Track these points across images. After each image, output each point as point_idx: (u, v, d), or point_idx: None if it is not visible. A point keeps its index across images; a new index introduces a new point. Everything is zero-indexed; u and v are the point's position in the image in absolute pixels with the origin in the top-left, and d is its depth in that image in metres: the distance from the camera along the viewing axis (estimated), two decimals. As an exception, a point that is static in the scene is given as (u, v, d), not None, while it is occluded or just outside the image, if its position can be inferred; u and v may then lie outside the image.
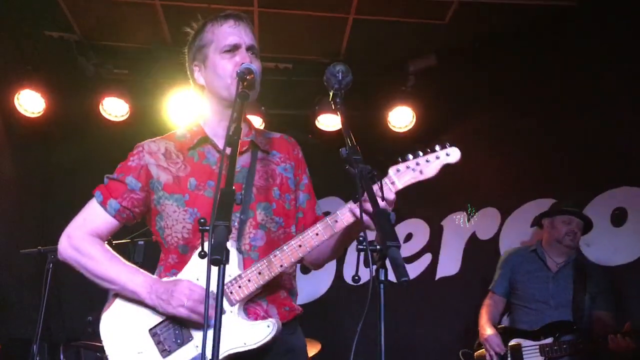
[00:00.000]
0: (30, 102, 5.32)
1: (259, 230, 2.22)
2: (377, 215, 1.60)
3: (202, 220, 1.63)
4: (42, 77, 5.27)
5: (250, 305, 2.15)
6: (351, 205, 2.08)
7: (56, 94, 5.38)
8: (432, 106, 5.67)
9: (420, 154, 2.15)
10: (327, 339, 4.80)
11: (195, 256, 2.16)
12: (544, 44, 5.14)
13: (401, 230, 5.67)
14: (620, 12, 4.69)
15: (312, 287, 5.79)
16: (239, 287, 2.09)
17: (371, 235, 1.59)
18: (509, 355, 4.14)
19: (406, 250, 5.65)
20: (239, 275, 2.10)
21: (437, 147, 2.17)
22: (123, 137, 5.40)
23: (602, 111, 4.93)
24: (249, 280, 2.09)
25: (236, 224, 2.18)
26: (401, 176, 2.12)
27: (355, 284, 1.66)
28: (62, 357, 4.64)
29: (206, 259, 1.51)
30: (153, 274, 2.26)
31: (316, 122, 5.75)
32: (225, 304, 2.07)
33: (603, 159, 4.91)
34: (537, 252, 4.46)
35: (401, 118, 5.72)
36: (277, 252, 2.11)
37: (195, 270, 2.14)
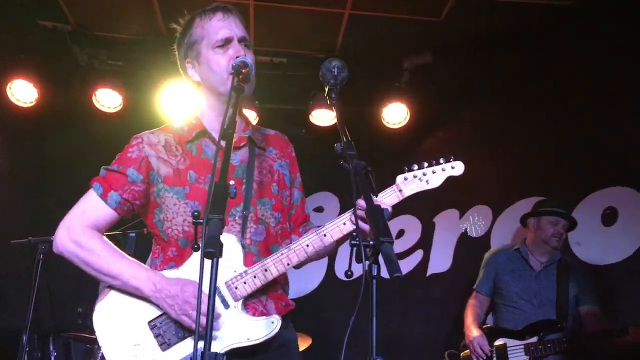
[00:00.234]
0: (22, 92, 5.27)
1: (260, 225, 2.24)
2: (371, 211, 1.60)
3: (195, 213, 1.64)
4: (34, 66, 5.22)
5: (250, 300, 2.15)
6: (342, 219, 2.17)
7: (49, 84, 5.34)
8: (427, 103, 5.68)
9: (426, 164, 2.27)
10: (317, 333, 4.81)
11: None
12: (539, 42, 5.15)
13: (393, 226, 5.67)
14: (613, 11, 4.72)
15: (304, 282, 5.79)
16: (244, 283, 2.10)
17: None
18: (494, 355, 4.16)
19: (398, 247, 5.66)
20: (245, 272, 2.11)
21: (442, 160, 2.28)
22: (116, 129, 5.37)
23: (594, 111, 4.95)
24: (255, 277, 2.11)
25: (237, 218, 2.19)
26: (408, 184, 2.24)
27: (348, 279, 1.67)
28: (51, 348, 4.63)
29: (206, 254, 1.49)
30: (144, 265, 2.24)
31: (310, 117, 5.75)
32: (230, 299, 2.10)
33: (595, 159, 4.94)
34: (520, 252, 4.48)
35: (395, 114, 5.73)
36: (285, 250, 2.14)
37: (196, 264, 2.13)
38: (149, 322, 2.11)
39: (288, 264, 2.14)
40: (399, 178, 2.25)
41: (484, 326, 4.41)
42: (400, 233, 5.76)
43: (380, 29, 5.12)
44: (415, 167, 2.26)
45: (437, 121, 5.81)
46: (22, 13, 5.00)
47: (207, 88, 2.32)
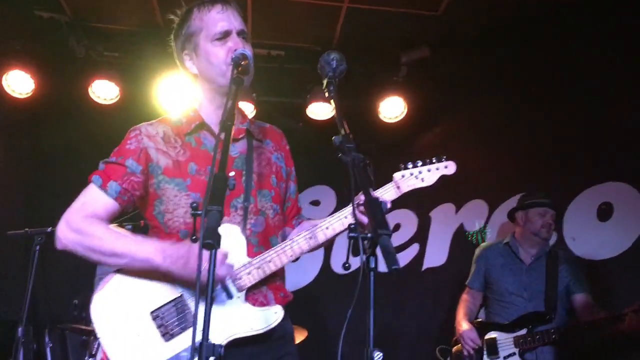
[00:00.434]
0: (18, 83, 5.25)
1: (259, 216, 2.25)
2: (369, 203, 1.61)
3: (194, 205, 1.64)
4: (31, 57, 5.19)
5: (251, 291, 2.16)
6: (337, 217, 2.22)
7: (45, 75, 5.31)
8: (424, 97, 5.68)
9: (420, 163, 2.36)
10: (313, 326, 4.82)
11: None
12: (537, 37, 5.16)
13: (389, 220, 5.64)
14: (611, 6, 4.73)
15: (300, 274, 5.81)
16: (248, 273, 2.12)
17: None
18: (484, 348, 4.19)
19: (394, 240, 5.54)
20: (249, 262, 2.13)
21: (435, 159, 2.39)
22: (112, 121, 5.36)
23: (591, 106, 4.96)
24: (258, 268, 2.13)
25: (238, 209, 2.20)
26: (405, 181, 2.32)
27: (346, 271, 1.67)
28: (47, 340, 4.63)
29: (205, 245, 1.49)
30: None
31: (307, 111, 5.75)
32: (234, 289, 2.11)
33: (590, 154, 4.94)
34: (510, 245, 4.50)
35: (392, 108, 5.73)
36: (288, 242, 2.17)
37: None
38: (152, 313, 2.08)
39: (291, 256, 2.16)
40: (397, 175, 2.32)
41: (476, 320, 4.43)
42: (397, 227, 5.77)
43: (378, 22, 5.12)
44: (411, 165, 2.35)
45: (435, 115, 5.82)
46: (19, 3, 4.98)
47: (204, 80, 2.32)
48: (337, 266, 5.83)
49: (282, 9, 5.02)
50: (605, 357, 4.36)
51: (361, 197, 1.88)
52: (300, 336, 4.59)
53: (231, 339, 2.05)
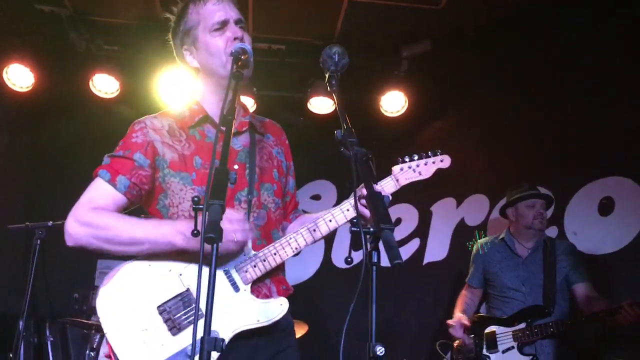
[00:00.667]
0: (19, 77, 5.24)
1: (262, 210, 2.27)
2: (371, 197, 1.61)
3: (195, 199, 1.63)
4: (31, 51, 5.19)
5: (255, 283, 2.17)
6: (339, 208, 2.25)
7: (46, 69, 5.30)
8: (425, 92, 5.67)
9: (417, 157, 2.46)
10: (313, 321, 4.83)
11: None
12: (538, 32, 5.14)
13: (390, 214, 5.66)
14: (612, 6, 4.71)
15: (300, 269, 5.81)
16: (254, 266, 2.14)
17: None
18: (484, 342, 4.20)
19: (395, 235, 5.65)
20: (255, 255, 2.14)
21: (430, 153, 2.49)
22: (113, 114, 5.37)
23: (592, 100, 4.95)
24: (264, 260, 2.15)
25: (242, 203, 2.21)
26: (403, 174, 2.40)
27: (347, 266, 1.68)
28: (48, 333, 4.64)
29: (207, 239, 1.49)
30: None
31: (308, 105, 5.74)
32: (240, 282, 2.12)
33: (591, 149, 4.93)
34: (505, 241, 4.51)
35: (393, 103, 5.73)
36: (292, 234, 2.19)
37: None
38: (158, 307, 2.07)
39: (296, 248, 2.19)
40: (396, 168, 2.40)
41: (476, 314, 4.45)
42: (398, 221, 5.78)
43: (379, 16, 5.10)
44: (408, 158, 2.43)
45: (436, 110, 5.81)
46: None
47: (206, 73, 2.31)
48: (337, 260, 5.84)
49: (283, 3, 5.00)
50: (603, 350, 4.38)
51: (363, 191, 1.88)
52: (300, 331, 4.59)
53: (238, 331, 2.06)
